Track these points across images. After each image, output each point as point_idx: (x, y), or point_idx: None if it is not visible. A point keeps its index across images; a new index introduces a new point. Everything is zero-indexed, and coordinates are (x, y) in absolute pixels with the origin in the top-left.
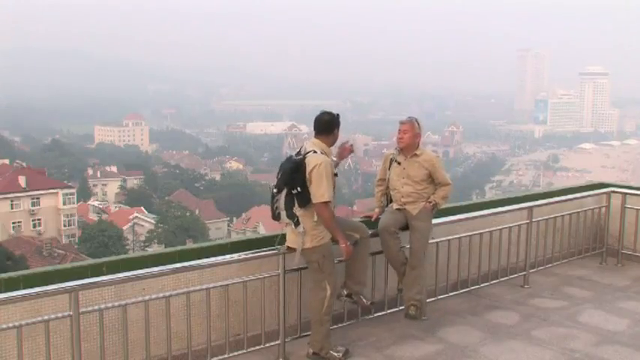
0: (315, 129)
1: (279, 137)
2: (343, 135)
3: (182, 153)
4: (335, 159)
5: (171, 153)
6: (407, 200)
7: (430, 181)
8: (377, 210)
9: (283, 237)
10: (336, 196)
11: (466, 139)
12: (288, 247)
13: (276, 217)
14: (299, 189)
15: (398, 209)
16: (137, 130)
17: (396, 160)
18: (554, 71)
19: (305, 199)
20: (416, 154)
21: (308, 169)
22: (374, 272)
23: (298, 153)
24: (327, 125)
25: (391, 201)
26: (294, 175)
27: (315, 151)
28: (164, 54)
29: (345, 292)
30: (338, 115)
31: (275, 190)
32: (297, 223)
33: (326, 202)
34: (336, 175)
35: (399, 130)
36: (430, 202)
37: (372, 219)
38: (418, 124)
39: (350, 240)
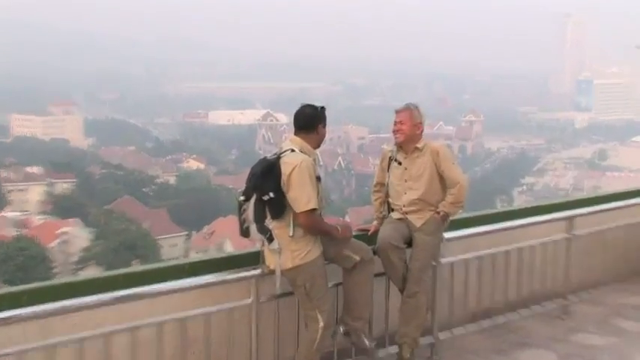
0: (295, 125)
1: (250, 129)
2: (332, 127)
3: (126, 149)
4: (321, 164)
5: (113, 149)
6: (410, 209)
7: (440, 183)
8: (375, 222)
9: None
10: (322, 206)
11: (488, 131)
12: (268, 268)
13: (244, 232)
14: (271, 194)
15: (400, 219)
16: (67, 120)
17: (395, 159)
18: (602, 44)
19: (279, 208)
20: (417, 149)
21: (285, 170)
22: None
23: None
24: (308, 121)
25: (393, 210)
26: (265, 178)
27: (293, 150)
28: (103, 22)
29: (342, 330)
30: (323, 108)
31: (242, 198)
32: (270, 239)
33: (313, 210)
34: (318, 179)
35: (395, 121)
36: (439, 212)
37: (370, 233)
38: (418, 110)
39: (347, 263)
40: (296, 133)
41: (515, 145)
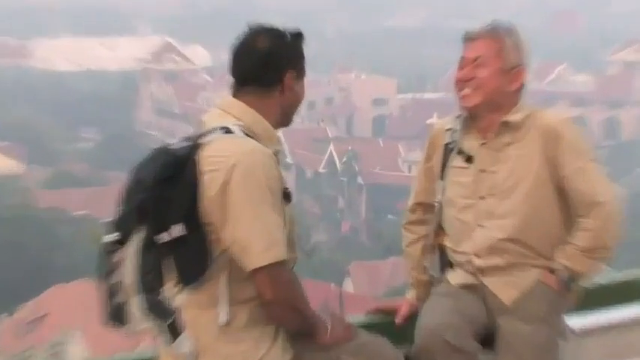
0: (234, 75)
1: (127, 80)
2: (319, 78)
3: None
4: (290, 162)
5: None
6: (491, 263)
7: (560, 203)
8: (412, 293)
9: None
10: (294, 257)
11: None
12: None
13: (114, 314)
14: (178, 230)
15: (468, 286)
16: None
17: (459, 150)
18: None
19: (195, 262)
20: (510, 125)
21: (213, 177)
22: None
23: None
24: (264, 66)
25: (449, 265)
26: (164, 193)
27: (228, 131)
28: None
29: None
30: (298, 35)
31: (112, 239)
32: (174, 331)
33: (279, 265)
34: (287, 195)
35: (461, 63)
36: (555, 271)
37: (400, 318)
38: (517, 38)
39: None
40: (236, 94)
41: None
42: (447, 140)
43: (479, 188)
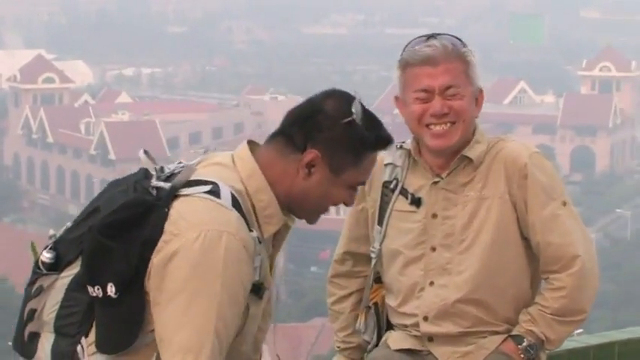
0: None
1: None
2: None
3: None
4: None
5: None
6: (441, 329)
7: (527, 255)
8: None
9: None
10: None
11: None
12: None
13: (21, 343)
14: (111, 289)
15: (412, 353)
16: None
17: (403, 191)
18: None
19: (120, 334)
20: (468, 160)
21: (166, 239)
22: None
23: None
24: (302, 121)
25: (387, 327)
26: (112, 241)
27: (212, 189)
28: None
29: None
30: (368, 115)
31: (47, 258)
32: None
33: None
34: (258, 290)
35: (424, 91)
36: (516, 337)
37: None
38: (473, 55)
39: None
40: (266, 142)
41: None
42: (385, 178)
43: (430, 237)
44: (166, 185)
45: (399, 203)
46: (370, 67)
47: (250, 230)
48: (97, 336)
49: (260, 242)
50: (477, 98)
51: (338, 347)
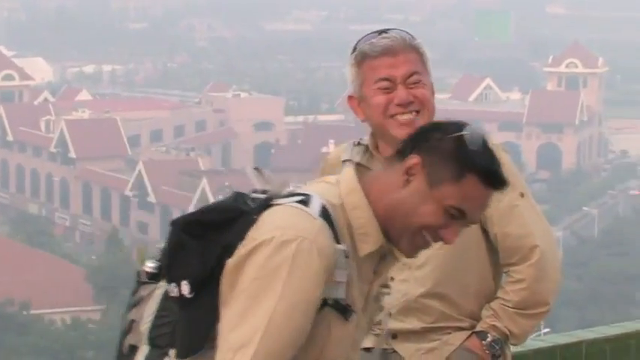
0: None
1: None
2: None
3: None
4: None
5: None
6: (406, 326)
7: (489, 251)
8: None
9: None
10: None
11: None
12: None
13: (121, 354)
14: (185, 287)
15: (374, 351)
16: None
17: None
18: None
19: (196, 335)
20: None
21: (244, 243)
22: None
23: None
24: (418, 134)
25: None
26: (193, 240)
27: (304, 199)
28: None
29: None
30: (485, 146)
31: (150, 267)
32: None
33: None
34: (343, 310)
35: (386, 80)
36: (480, 332)
37: None
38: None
39: None
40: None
41: None
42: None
43: None
44: (263, 199)
45: None
46: (334, 64)
47: (338, 243)
48: (177, 341)
49: (347, 257)
50: (432, 91)
51: None
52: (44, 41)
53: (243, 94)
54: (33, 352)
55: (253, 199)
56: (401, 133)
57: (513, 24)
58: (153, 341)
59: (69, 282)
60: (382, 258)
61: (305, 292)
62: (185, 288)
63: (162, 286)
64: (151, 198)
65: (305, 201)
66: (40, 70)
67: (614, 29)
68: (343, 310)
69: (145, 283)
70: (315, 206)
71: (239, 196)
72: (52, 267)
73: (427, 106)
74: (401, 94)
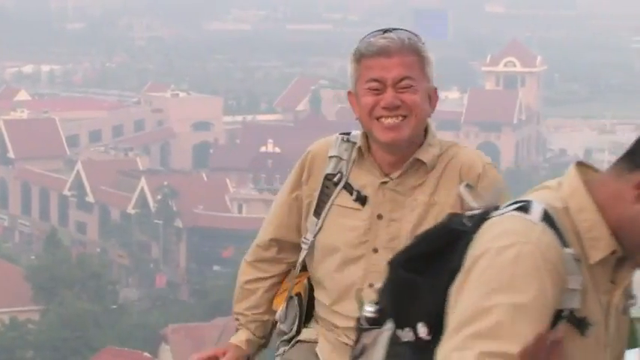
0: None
1: None
2: None
3: None
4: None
5: None
6: None
7: None
8: (241, 335)
9: None
10: None
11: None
12: None
13: None
14: (419, 329)
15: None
16: None
17: (347, 187)
18: None
19: None
20: (420, 163)
21: (470, 255)
22: None
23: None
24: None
25: (306, 319)
26: (418, 276)
27: (522, 206)
28: None
29: None
30: None
31: (369, 312)
32: None
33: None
34: (580, 324)
35: (376, 81)
36: None
37: None
38: (428, 51)
39: None
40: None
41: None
42: (329, 170)
43: (373, 238)
44: (479, 215)
45: (342, 198)
46: (273, 64)
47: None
48: None
49: (578, 260)
50: (431, 96)
51: (240, 324)
52: None
53: (181, 94)
54: None
55: (470, 217)
56: (384, 136)
57: (452, 23)
58: None
59: (8, 282)
60: (618, 265)
61: (533, 298)
62: (422, 330)
63: (386, 331)
64: (90, 198)
65: (524, 207)
66: None
67: (553, 27)
68: (579, 323)
69: (366, 329)
70: (535, 211)
71: (454, 218)
72: None
73: (415, 112)
74: (388, 97)
